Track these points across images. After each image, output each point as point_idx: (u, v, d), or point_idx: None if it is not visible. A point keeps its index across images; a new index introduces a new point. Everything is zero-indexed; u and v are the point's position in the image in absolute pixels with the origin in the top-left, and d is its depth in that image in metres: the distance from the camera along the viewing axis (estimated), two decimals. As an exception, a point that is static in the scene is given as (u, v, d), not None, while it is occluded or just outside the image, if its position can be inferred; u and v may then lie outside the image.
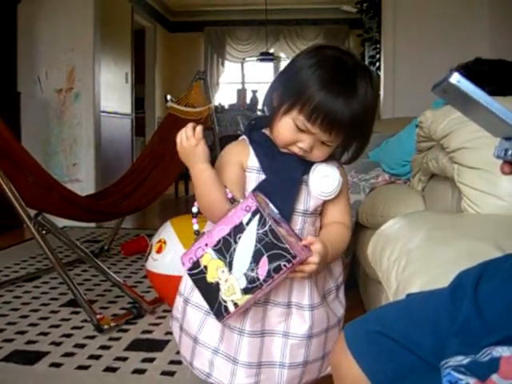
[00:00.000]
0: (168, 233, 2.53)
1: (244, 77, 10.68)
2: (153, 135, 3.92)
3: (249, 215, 1.06)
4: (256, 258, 1.05)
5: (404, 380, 0.80)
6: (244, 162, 1.23)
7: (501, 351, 0.68)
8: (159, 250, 2.49)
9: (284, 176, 1.20)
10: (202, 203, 1.20)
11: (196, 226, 1.22)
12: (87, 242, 4.17)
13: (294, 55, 1.21)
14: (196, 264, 1.09)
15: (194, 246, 1.11)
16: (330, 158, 1.23)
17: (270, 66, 10.46)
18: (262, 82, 10.52)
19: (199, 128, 1.18)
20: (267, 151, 1.22)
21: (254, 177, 1.22)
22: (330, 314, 1.29)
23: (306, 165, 1.21)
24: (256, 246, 1.05)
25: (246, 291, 1.06)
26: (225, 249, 1.07)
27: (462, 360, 0.70)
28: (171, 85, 9.13)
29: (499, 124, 0.72)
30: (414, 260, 1.16)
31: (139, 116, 7.90)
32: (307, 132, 1.14)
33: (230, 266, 1.07)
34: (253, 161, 1.22)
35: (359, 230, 2.53)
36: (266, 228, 1.05)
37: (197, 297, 1.25)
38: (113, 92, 6.37)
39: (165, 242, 2.49)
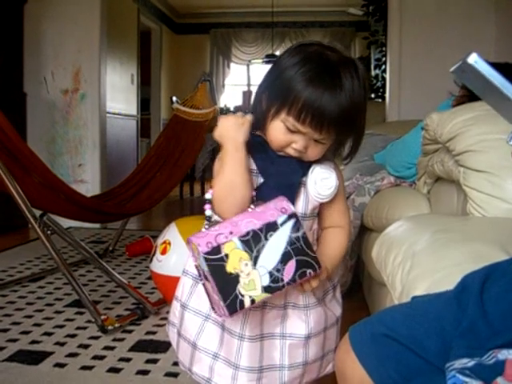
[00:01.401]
0: (173, 234, 2.53)
1: (249, 79, 10.69)
2: (158, 136, 3.92)
3: (284, 217, 1.08)
4: (284, 260, 1.05)
5: (409, 382, 0.80)
6: None
7: (506, 354, 0.68)
8: (164, 252, 2.50)
9: (283, 180, 1.19)
10: (225, 185, 1.14)
11: (209, 212, 1.20)
12: (92, 243, 4.17)
13: (279, 55, 1.20)
14: (216, 250, 1.03)
15: (211, 231, 1.06)
16: (326, 160, 1.23)
17: (275, 68, 10.46)
18: (268, 84, 10.53)
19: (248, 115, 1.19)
20: (264, 155, 1.20)
21: (253, 180, 1.20)
22: (328, 314, 1.29)
23: (304, 167, 1.21)
24: (286, 248, 1.06)
25: (266, 289, 1.05)
26: (253, 242, 1.05)
27: (467, 362, 0.70)
28: (177, 86, 9.15)
29: None
30: (419, 263, 1.15)
31: (145, 117, 7.92)
32: (299, 132, 1.13)
33: (255, 260, 1.04)
34: (251, 163, 1.21)
35: (364, 232, 2.53)
36: (299, 234, 1.08)
37: (195, 302, 1.24)
38: (119, 93, 6.40)
39: (169, 244, 2.50)
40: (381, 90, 7.00)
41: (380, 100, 6.71)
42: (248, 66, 10.58)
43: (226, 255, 1.03)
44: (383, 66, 6.79)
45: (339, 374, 0.93)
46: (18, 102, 4.81)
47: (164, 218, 5.62)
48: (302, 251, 1.06)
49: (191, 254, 1.11)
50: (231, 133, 1.16)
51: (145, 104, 8.00)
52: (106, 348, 2.19)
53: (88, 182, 4.95)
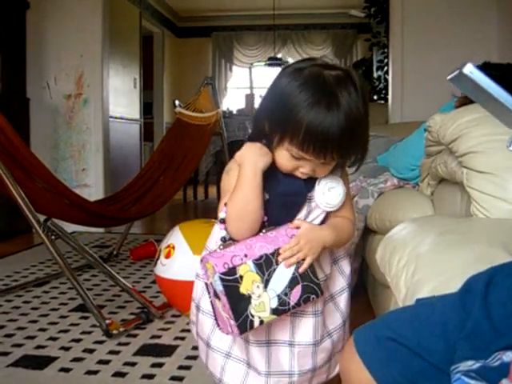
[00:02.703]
0: (177, 238, 2.53)
1: (252, 81, 10.70)
2: (161, 140, 3.92)
3: None
4: (292, 285, 1.12)
5: (414, 385, 0.80)
6: None
7: (511, 356, 0.67)
8: (168, 255, 2.50)
9: (287, 201, 1.21)
10: (240, 208, 1.16)
11: (224, 233, 1.20)
12: (96, 247, 4.18)
13: (275, 78, 1.18)
14: (232, 271, 1.08)
15: (227, 252, 1.10)
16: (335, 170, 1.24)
17: (278, 70, 10.42)
18: (270, 86, 10.53)
19: None
20: (270, 174, 1.19)
21: None
22: (335, 316, 1.29)
23: (309, 184, 1.22)
24: (294, 273, 1.13)
25: (274, 312, 1.10)
26: (265, 266, 1.10)
27: (472, 365, 0.70)
28: (179, 90, 9.16)
29: (511, 116, 0.72)
30: (423, 265, 1.15)
31: (148, 121, 7.93)
32: (304, 159, 1.14)
33: (266, 283, 1.10)
34: None
35: (368, 234, 2.53)
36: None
37: (206, 304, 1.26)
38: (121, 97, 6.41)
39: (173, 247, 2.50)
40: (383, 92, 7.00)
41: (383, 102, 6.70)
42: (250, 68, 10.58)
43: (241, 277, 1.08)
44: (385, 68, 6.78)
45: (344, 377, 0.93)
46: (21, 107, 4.83)
47: (168, 221, 5.62)
48: (307, 277, 1.14)
49: (203, 271, 1.14)
50: (253, 158, 1.16)
51: (148, 108, 8.02)
52: (111, 352, 2.19)
53: (91, 187, 4.96)
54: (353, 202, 1.34)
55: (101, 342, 2.29)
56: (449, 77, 0.75)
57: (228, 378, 1.25)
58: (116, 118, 5.93)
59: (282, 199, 1.21)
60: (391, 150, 2.92)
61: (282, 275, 1.11)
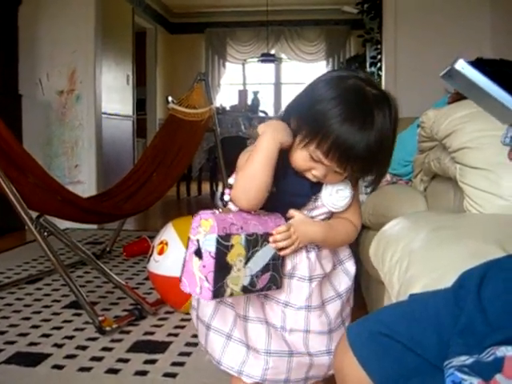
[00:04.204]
0: (170, 234, 2.52)
1: (245, 78, 10.69)
2: (154, 137, 3.92)
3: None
4: (264, 270, 1.15)
5: (407, 381, 0.79)
6: None
7: (505, 351, 0.67)
8: (161, 252, 2.49)
9: (290, 200, 1.23)
10: (250, 181, 1.16)
11: (227, 197, 1.22)
12: (89, 244, 4.17)
13: (316, 79, 1.19)
14: (227, 237, 1.10)
15: (227, 217, 1.12)
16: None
17: (271, 66, 10.46)
18: (264, 83, 10.52)
19: None
20: (281, 168, 1.20)
21: None
22: (331, 316, 1.30)
23: (315, 187, 1.23)
24: (270, 260, 1.17)
25: (244, 289, 1.13)
26: (252, 244, 1.14)
27: (466, 360, 0.70)
28: (172, 86, 9.14)
29: (505, 111, 0.72)
30: (417, 261, 1.15)
31: (141, 117, 7.91)
32: (321, 163, 1.15)
33: (247, 260, 1.12)
34: None
35: (361, 230, 2.52)
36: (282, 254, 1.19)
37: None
38: (114, 94, 6.39)
39: (166, 244, 2.49)
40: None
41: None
42: (243, 65, 10.57)
43: (232, 246, 1.10)
44: (378, 64, 6.78)
45: (338, 373, 0.93)
46: (13, 103, 4.80)
47: (161, 218, 5.62)
48: (277, 269, 1.18)
49: (194, 225, 1.14)
50: (275, 131, 1.16)
51: (140, 104, 7.99)
52: (104, 349, 2.18)
53: (84, 183, 4.94)
54: (360, 208, 1.35)
55: (94, 339, 2.28)
56: (441, 74, 0.75)
57: (228, 360, 1.28)
58: (109, 114, 5.91)
59: (287, 197, 1.22)
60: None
61: (261, 258, 1.15)
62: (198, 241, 1.11)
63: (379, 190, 2.46)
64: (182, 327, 2.41)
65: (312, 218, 1.25)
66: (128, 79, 7.01)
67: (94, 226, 4.78)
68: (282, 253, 1.18)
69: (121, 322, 2.41)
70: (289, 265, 1.24)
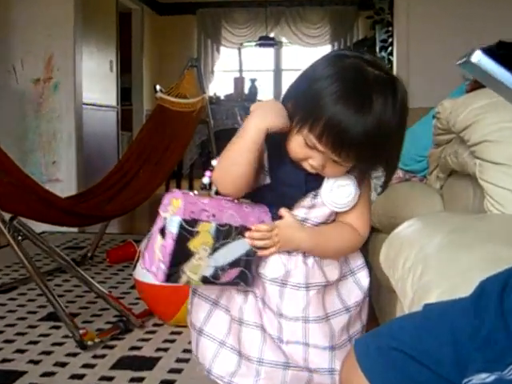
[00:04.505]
0: (158, 238, 2.52)
1: (242, 64, 10.68)
2: (141, 129, 3.92)
3: None
4: (233, 264, 1.18)
5: (421, 400, 0.79)
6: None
7: (529, 368, 0.67)
8: (148, 257, 2.49)
9: (285, 192, 1.24)
10: (229, 165, 1.19)
11: (207, 180, 1.25)
12: (68, 249, 4.17)
13: (315, 60, 1.21)
14: (193, 222, 1.13)
15: (200, 201, 1.15)
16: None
17: (270, 51, 10.45)
18: (262, 69, 10.52)
19: None
20: (278, 159, 1.22)
21: (262, 177, 1.24)
22: (335, 331, 1.30)
23: (314, 182, 1.24)
24: (242, 256, 1.18)
25: (203, 279, 1.17)
26: (223, 235, 1.16)
27: (487, 378, 0.70)
28: (161, 74, 9.12)
29: None
30: (432, 267, 1.15)
31: (126, 108, 7.89)
32: (316, 150, 1.16)
33: (213, 250, 1.15)
34: (265, 160, 1.24)
35: (371, 233, 2.52)
36: (258, 251, 1.20)
37: (203, 288, 1.31)
38: (96, 82, 6.37)
39: (154, 249, 2.49)
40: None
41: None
42: (240, 49, 10.55)
43: (197, 232, 1.13)
44: (389, 48, 6.78)
45: (344, 391, 0.92)
46: (-17, 93, 4.80)
47: (148, 220, 5.59)
48: (249, 266, 1.20)
49: (165, 202, 1.19)
50: (264, 113, 1.18)
51: (125, 93, 7.98)
52: (86, 366, 2.18)
53: (63, 181, 4.94)
54: (369, 213, 1.34)
55: (74, 355, 2.28)
56: (457, 62, 0.74)
57: (218, 369, 1.28)
58: (90, 104, 5.90)
59: (279, 187, 1.24)
60: (396, 140, 2.91)
61: (231, 251, 1.17)
62: (165, 219, 1.16)
63: (390, 189, 2.46)
64: (172, 341, 2.41)
65: (308, 219, 1.25)
66: (111, 66, 7.01)
67: (74, 229, 4.77)
68: (259, 253, 1.20)
69: (104, 336, 2.40)
70: (281, 270, 1.24)
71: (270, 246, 1.19)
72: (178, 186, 7.33)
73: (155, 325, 2.60)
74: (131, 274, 2.72)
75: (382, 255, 1.45)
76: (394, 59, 4.74)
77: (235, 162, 1.17)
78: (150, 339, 2.44)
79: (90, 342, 2.32)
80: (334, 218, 1.29)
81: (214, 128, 4.52)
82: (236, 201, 1.20)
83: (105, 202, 3.37)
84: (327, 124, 1.11)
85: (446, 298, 0.95)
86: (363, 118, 1.10)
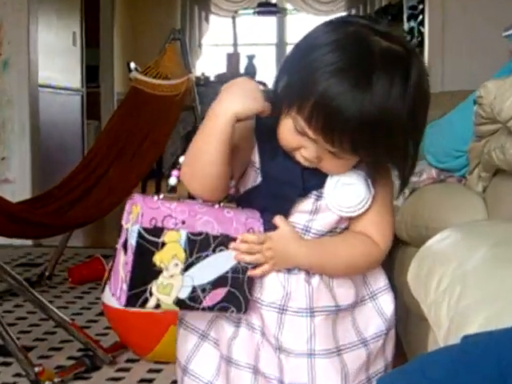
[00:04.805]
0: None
1: (236, 37, 10.69)
2: (111, 117, 3.92)
3: None
4: (217, 284, 1.16)
5: None
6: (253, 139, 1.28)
7: None
8: (120, 277, 2.49)
9: (279, 189, 1.24)
10: (193, 161, 1.21)
11: (174, 180, 1.24)
12: (21, 267, 4.17)
13: (315, 26, 1.21)
14: (157, 231, 1.12)
15: (165, 206, 1.14)
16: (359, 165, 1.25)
17: (272, 21, 10.46)
18: (262, 43, 10.53)
19: None
20: (272, 147, 1.23)
21: (253, 176, 1.25)
22: (349, 369, 1.29)
23: (313, 179, 1.24)
24: (227, 272, 1.17)
25: (179, 303, 1.15)
26: (198, 246, 1.14)
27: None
28: (136, 49, 9.14)
29: None
30: (473, 288, 1.15)
31: (92, 91, 7.89)
32: (308, 138, 1.16)
33: (187, 266, 1.14)
34: (255, 155, 1.26)
35: (396, 247, 2.53)
36: (250, 266, 1.18)
37: (191, 317, 1.32)
38: (56, 59, 6.37)
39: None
40: (417, 50, 7.02)
41: (416, 63, 6.71)
42: (234, 18, 10.57)
43: (163, 243, 1.12)
44: (420, 17, 6.79)
45: None
46: None
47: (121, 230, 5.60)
48: (239, 285, 1.18)
49: (126, 209, 1.19)
50: (232, 96, 1.18)
51: (92, 73, 7.98)
52: (42, 412, 2.18)
53: (14, 182, 4.94)
54: (391, 219, 1.34)
55: (28, 398, 2.28)
56: (505, 33, 0.75)
57: None
58: (48, 86, 5.89)
59: (274, 186, 1.24)
60: (428, 131, 2.91)
61: (212, 267, 1.15)
62: (127, 230, 1.15)
63: (420, 192, 2.47)
64: (150, 381, 2.41)
65: (310, 228, 1.25)
66: (75, 39, 7.00)
67: (29, 242, 4.77)
68: (249, 272, 1.18)
69: (65, 375, 2.40)
70: (279, 293, 1.24)
71: (261, 262, 1.19)
72: (158, 188, 7.34)
73: (129, 360, 2.60)
74: (99, 298, 2.72)
75: (410, 274, 1.45)
76: (426, 30, 4.74)
77: (201, 157, 1.19)
78: (122, 378, 2.44)
79: (47, 382, 2.31)
80: (345, 226, 1.28)
81: (201, 115, 4.52)
82: (217, 205, 1.19)
83: (66, 208, 3.37)
84: (317, 102, 1.11)
85: (491, 327, 0.95)
86: (360, 96, 1.09)
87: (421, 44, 6.48)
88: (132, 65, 3.84)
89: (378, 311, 1.34)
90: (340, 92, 1.09)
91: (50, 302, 2.73)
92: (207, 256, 1.14)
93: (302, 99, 1.12)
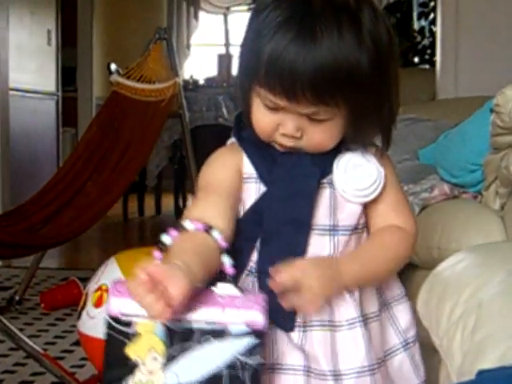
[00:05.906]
0: (112, 275, 2.52)
1: (228, 35, 10.71)
2: (90, 125, 3.92)
3: (243, 329, 1.05)
4: (210, 382, 1.04)
5: None
6: (240, 169, 1.29)
7: None
8: (99, 303, 2.49)
9: (293, 186, 1.25)
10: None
11: (168, 240, 1.18)
12: (-12, 290, 4.16)
13: None
14: (126, 321, 1.04)
15: None
16: (362, 145, 1.28)
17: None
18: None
19: None
20: (264, 153, 1.26)
21: (254, 188, 1.27)
22: None
23: (324, 162, 1.26)
24: (222, 370, 1.04)
25: None
26: (180, 336, 1.05)
27: None
28: (118, 49, 9.15)
29: None
30: (489, 317, 1.16)
31: (69, 96, 7.90)
32: (280, 109, 1.20)
33: (168, 360, 1.05)
34: (248, 167, 1.28)
35: (405, 270, 2.53)
36: (252, 362, 1.05)
37: None
38: (29, 59, 6.38)
39: (107, 291, 2.49)
40: (428, 52, 7.03)
41: (427, 66, 6.73)
42: (226, 15, 10.60)
43: (137, 334, 1.04)
44: (431, 15, 6.82)
45: None
46: None
47: (99, 250, 5.61)
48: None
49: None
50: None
51: (69, 75, 7.99)
52: None
53: (-19, 197, 4.94)
54: (406, 201, 1.35)
55: None
56: None
57: None
58: (19, 90, 5.90)
59: (284, 184, 1.25)
60: (440, 141, 2.93)
61: (200, 363, 1.05)
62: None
63: (431, 209, 2.47)
64: (131, 419, 2.40)
65: (337, 226, 1.25)
66: (49, 37, 7.01)
67: (-3, 263, 4.77)
68: (285, 303, 1.13)
69: (36, 411, 2.40)
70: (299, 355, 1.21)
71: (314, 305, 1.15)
72: (141, 203, 7.33)
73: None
74: (75, 325, 2.71)
75: (420, 301, 1.46)
76: (438, 30, 4.75)
77: None
78: (100, 416, 2.43)
79: (16, 420, 2.31)
80: (363, 221, 1.29)
81: (190, 123, 4.53)
82: (209, 287, 1.10)
83: (39, 226, 3.37)
84: (268, 63, 1.15)
85: (509, 362, 0.95)
86: (307, 48, 1.13)
87: (432, 45, 6.51)
88: (113, 67, 3.85)
89: (391, 323, 1.34)
90: (285, 44, 1.14)
91: (20, 329, 2.72)
92: (191, 348, 1.04)
93: (257, 67, 1.17)
